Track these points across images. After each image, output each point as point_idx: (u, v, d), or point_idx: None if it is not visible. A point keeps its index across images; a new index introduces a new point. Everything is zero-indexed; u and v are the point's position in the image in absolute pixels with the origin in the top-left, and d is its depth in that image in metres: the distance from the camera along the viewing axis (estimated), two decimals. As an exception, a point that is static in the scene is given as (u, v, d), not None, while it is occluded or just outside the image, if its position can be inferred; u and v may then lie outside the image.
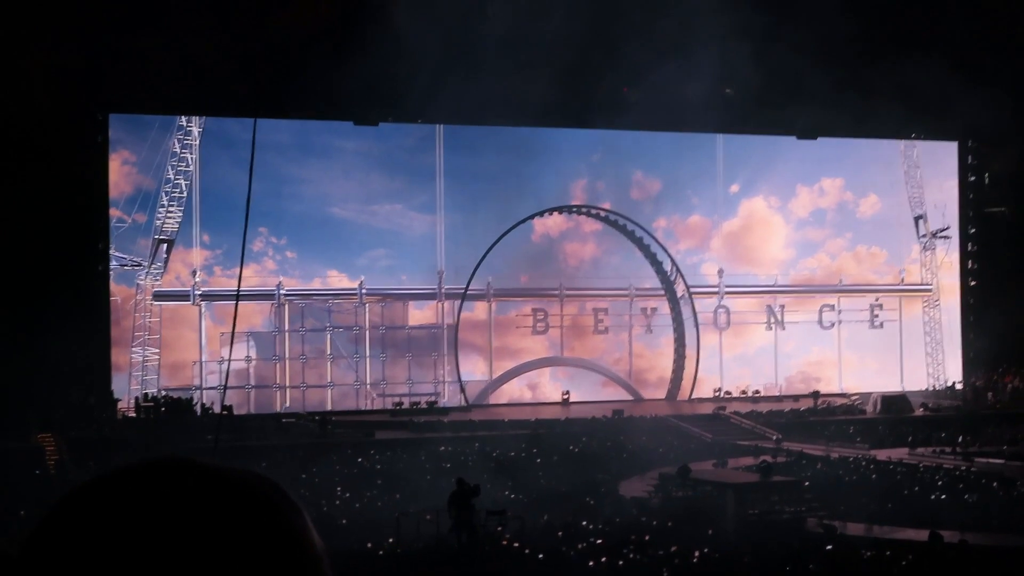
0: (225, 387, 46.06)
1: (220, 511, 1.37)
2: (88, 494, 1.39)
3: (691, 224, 56.08)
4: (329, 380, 50.84)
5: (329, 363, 50.86)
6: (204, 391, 47.43)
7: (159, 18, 41.93)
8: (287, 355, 50.34)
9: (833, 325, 57.10)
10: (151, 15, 41.91)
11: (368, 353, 51.23)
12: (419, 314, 52.37)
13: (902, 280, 58.29)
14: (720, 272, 55.70)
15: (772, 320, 56.29)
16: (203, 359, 48.90)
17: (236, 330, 46.59)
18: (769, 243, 56.88)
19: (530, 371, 53.77)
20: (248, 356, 49.07)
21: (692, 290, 55.38)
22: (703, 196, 55.74)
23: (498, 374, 53.35)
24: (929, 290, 58.22)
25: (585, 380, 54.04)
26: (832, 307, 57.20)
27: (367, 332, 51.22)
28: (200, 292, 48.80)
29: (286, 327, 50.25)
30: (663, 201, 55.15)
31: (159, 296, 48.37)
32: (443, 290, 51.93)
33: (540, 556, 23.66)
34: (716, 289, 55.62)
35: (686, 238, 55.87)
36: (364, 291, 50.96)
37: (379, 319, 51.54)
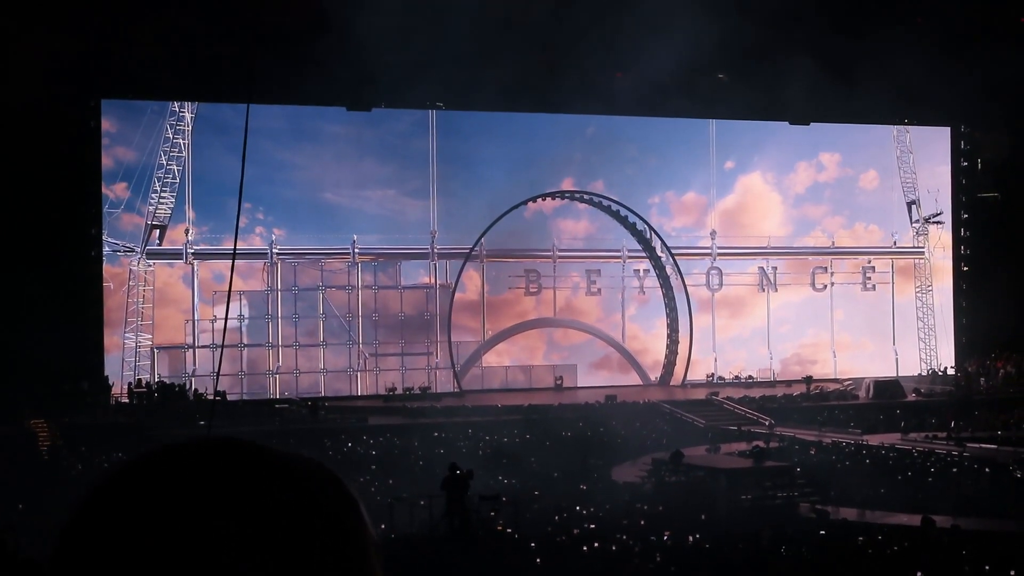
0: (218, 374, 45.90)
1: (265, 495, 1.35)
2: (137, 471, 1.37)
3: (686, 201, 56.10)
4: (322, 339, 50.89)
5: (321, 323, 50.91)
6: (196, 378, 47.40)
7: (151, 4, 41.86)
8: (280, 314, 50.37)
9: (825, 287, 57.20)
10: (143, 1, 41.85)
11: (360, 312, 51.33)
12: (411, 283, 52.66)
13: (895, 243, 58.38)
14: (712, 234, 55.72)
15: (764, 283, 56.37)
16: (196, 317, 48.95)
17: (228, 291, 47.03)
18: (765, 220, 56.92)
19: (523, 332, 53.83)
20: (241, 315, 49.05)
21: (685, 251, 55.54)
22: (698, 173, 55.75)
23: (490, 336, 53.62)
24: (921, 253, 58.35)
25: (578, 352, 54.20)
26: (824, 269, 57.27)
27: (359, 292, 51.28)
28: (193, 251, 48.82)
29: (278, 286, 50.30)
30: (657, 179, 55.11)
31: (152, 254, 48.30)
32: (436, 250, 51.98)
33: (533, 542, 23.67)
34: (709, 250, 55.70)
35: (681, 215, 55.94)
36: (357, 250, 50.96)
37: (371, 279, 51.62)
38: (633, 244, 55.07)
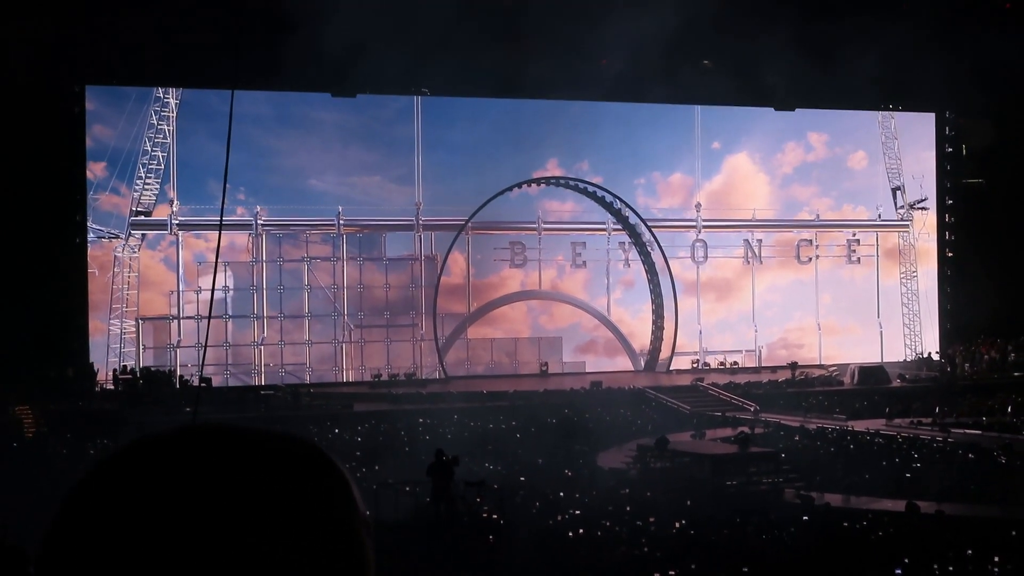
0: (205, 346, 45.86)
1: (254, 475, 1.35)
2: (122, 462, 1.37)
3: (672, 182, 56.13)
4: (307, 311, 50.90)
5: (307, 294, 50.93)
6: (181, 350, 47.38)
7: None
8: (264, 285, 50.37)
9: (810, 260, 57.28)
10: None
11: (345, 284, 51.34)
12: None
13: (879, 216, 58.50)
14: (698, 206, 55.76)
15: (749, 255, 56.43)
16: (180, 288, 48.95)
17: (209, 256, 48.06)
18: (753, 200, 56.96)
19: (509, 303, 53.88)
20: (226, 287, 49.06)
21: (670, 223, 55.59)
22: (684, 154, 55.80)
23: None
24: (906, 226, 58.45)
25: (564, 332, 54.27)
26: (810, 242, 57.39)
27: (344, 264, 51.31)
28: (177, 222, 48.76)
29: (263, 258, 50.28)
30: (643, 160, 55.11)
31: (136, 225, 48.23)
32: (420, 221, 51.99)
33: (519, 528, 23.70)
34: (694, 222, 55.75)
35: (667, 196, 55.96)
36: (342, 221, 50.95)
37: (357, 249, 51.61)
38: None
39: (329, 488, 1.41)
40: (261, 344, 50.00)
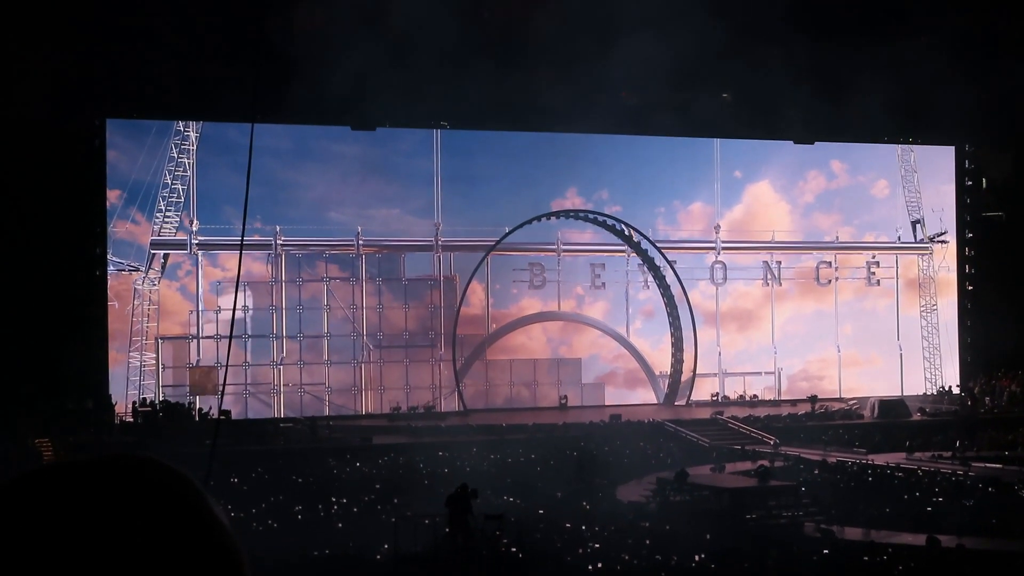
0: (227, 366, 45.89)
1: (104, 498, 1.37)
2: None
3: (693, 211, 56.15)
4: (326, 331, 50.97)
5: (326, 314, 50.99)
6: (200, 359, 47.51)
7: (156, 23, 41.96)
8: (284, 305, 50.47)
9: (830, 282, 57.20)
10: (148, 21, 41.94)
11: (364, 304, 51.39)
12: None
13: (899, 239, 58.40)
14: (717, 228, 55.73)
15: (769, 277, 56.38)
16: (200, 308, 49.09)
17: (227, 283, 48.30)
18: (774, 228, 56.94)
19: (528, 324, 53.90)
20: (245, 306, 49.20)
21: (690, 245, 55.62)
22: (704, 182, 55.85)
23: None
24: (926, 248, 58.35)
25: (585, 361, 54.27)
26: (829, 264, 57.32)
27: (363, 283, 51.39)
28: (197, 242, 48.92)
29: (283, 277, 50.39)
30: (662, 189, 55.19)
31: (156, 245, 48.44)
32: (440, 242, 52.07)
33: (537, 561, 23.64)
34: (713, 244, 55.73)
35: (688, 224, 55.96)
36: (361, 242, 51.01)
37: (376, 270, 51.78)
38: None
39: (171, 498, 1.42)
40: (280, 364, 50.07)
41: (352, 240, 50.95)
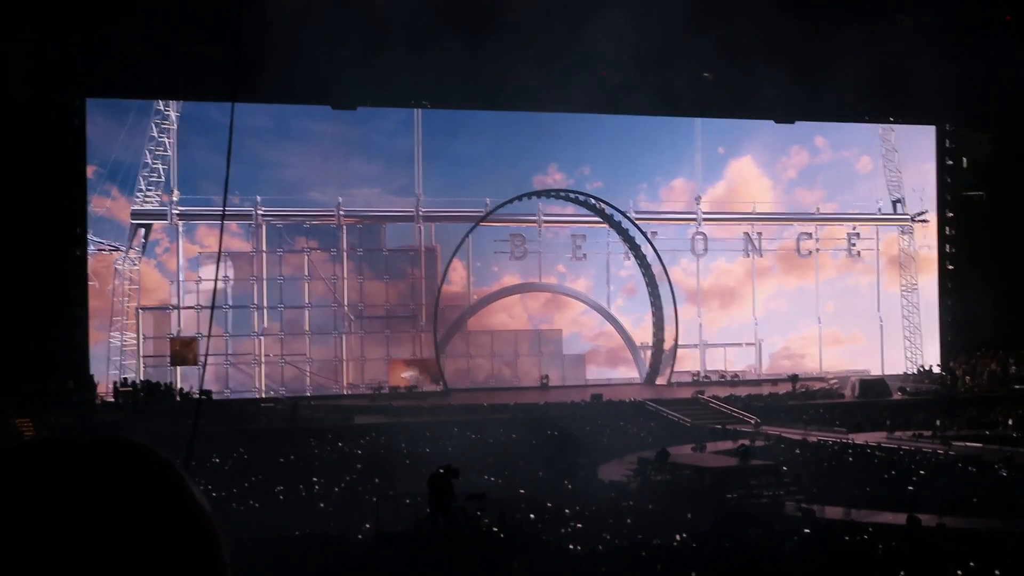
0: (209, 336, 45.84)
1: (86, 480, 1.36)
2: None
3: (675, 187, 56.18)
4: (307, 301, 51.02)
5: (307, 284, 51.04)
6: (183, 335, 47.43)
7: (136, 3, 41.77)
8: (264, 275, 50.47)
9: (811, 253, 57.29)
10: (128, 1, 41.76)
11: (346, 274, 51.45)
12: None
13: (879, 211, 58.52)
14: (698, 199, 55.80)
15: (750, 248, 56.45)
16: (180, 278, 49.10)
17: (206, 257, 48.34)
18: (757, 204, 57.04)
19: (508, 296, 54.03)
20: (226, 276, 49.19)
21: (671, 216, 55.59)
22: (687, 158, 55.91)
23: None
24: (907, 219, 58.47)
25: (567, 340, 54.26)
26: (810, 235, 57.41)
27: (344, 253, 51.43)
28: (178, 212, 48.83)
29: (263, 248, 50.33)
30: (644, 166, 55.17)
31: (137, 215, 48.35)
32: (420, 212, 52.05)
33: (519, 540, 23.63)
34: (694, 215, 55.73)
35: (670, 200, 55.98)
36: (342, 212, 50.98)
37: (357, 240, 51.78)
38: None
39: (152, 482, 1.42)
40: (261, 335, 50.03)
41: (333, 211, 50.84)
